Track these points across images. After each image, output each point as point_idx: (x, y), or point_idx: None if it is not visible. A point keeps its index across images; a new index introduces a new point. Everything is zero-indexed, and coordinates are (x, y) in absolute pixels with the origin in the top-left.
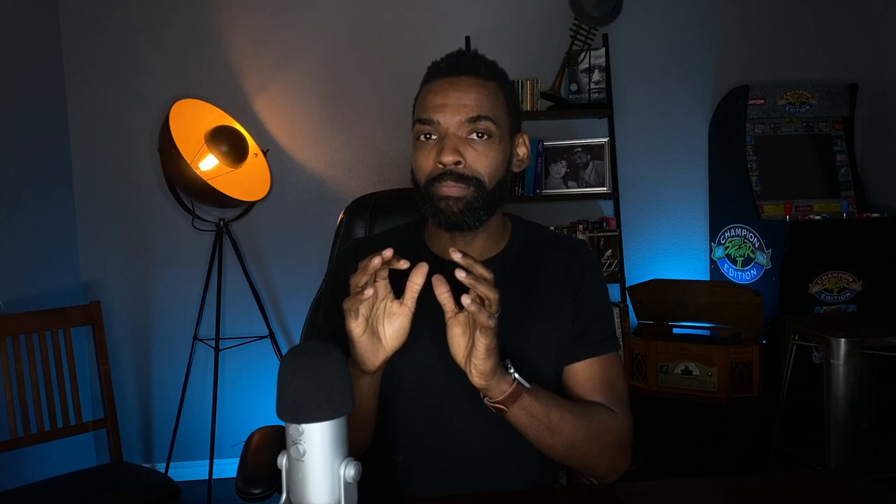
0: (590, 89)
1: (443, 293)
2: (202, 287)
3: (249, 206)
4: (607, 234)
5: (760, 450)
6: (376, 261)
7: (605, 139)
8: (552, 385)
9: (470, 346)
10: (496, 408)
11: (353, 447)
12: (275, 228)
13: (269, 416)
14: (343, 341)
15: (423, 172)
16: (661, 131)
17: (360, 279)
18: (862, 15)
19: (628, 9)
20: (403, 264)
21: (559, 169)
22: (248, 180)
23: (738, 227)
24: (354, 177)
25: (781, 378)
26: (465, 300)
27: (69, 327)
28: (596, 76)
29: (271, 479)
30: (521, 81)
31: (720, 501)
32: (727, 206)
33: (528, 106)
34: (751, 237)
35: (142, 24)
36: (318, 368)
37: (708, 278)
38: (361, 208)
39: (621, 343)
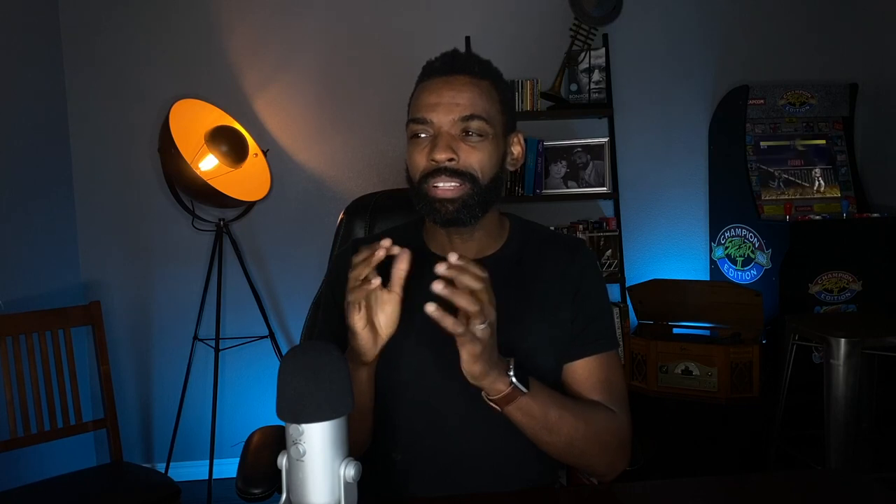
0: (590, 89)
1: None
2: (202, 287)
3: (249, 206)
4: (607, 234)
5: (760, 450)
6: (380, 253)
7: (605, 139)
8: (553, 380)
9: None
10: (491, 406)
11: (353, 447)
12: (275, 228)
13: (269, 416)
14: (342, 340)
15: (416, 170)
16: (661, 131)
17: (360, 272)
18: (862, 15)
19: (628, 9)
20: (385, 243)
21: (559, 169)
22: (248, 180)
23: (738, 227)
24: (354, 177)
25: (781, 378)
26: (429, 307)
27: (69, 327)
28: (596, 76)
29: (271, 479)
30: (521, 81)
31: (720, 501)
32: (727, 206)
33: (528, 106)
34: (751, 237)
35: (142, 23)
36: (318, 368)
37: (708, 278)
38: (361, 208)
39: (621, 343)
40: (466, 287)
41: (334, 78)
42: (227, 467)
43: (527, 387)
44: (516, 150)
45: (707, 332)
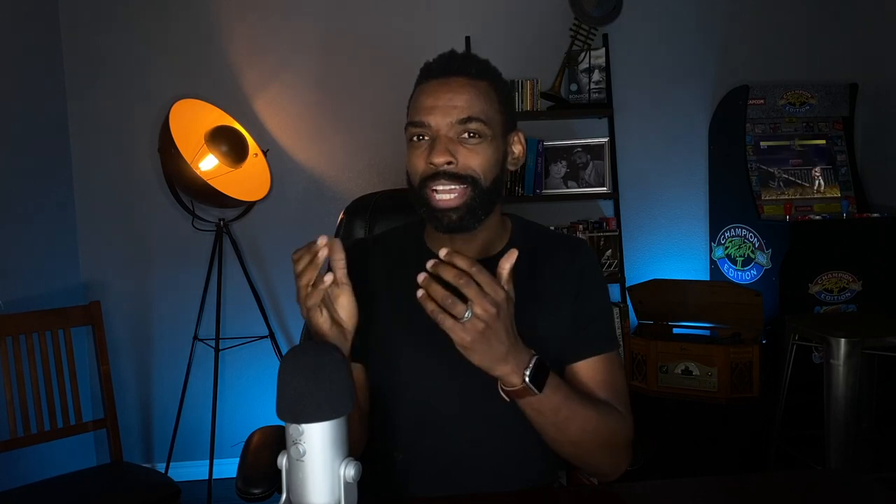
0: (590, 89)
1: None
2: (202, 287)
3: (249, 206)
4: (607, 234)
5: (760, 450)
6: (322, 253)
7: (605, 139)
8: None
9: None
10: (502, 395)
11: (351, 447)
12: (275, 228)
13: (269, 416)
14: None
15: (416, 173)
16: (661, 131)
17: (309, 276)
18: (862, 15)
19: (628, 9)
20: (322, 241)
21: (559, 169)
22: (248, 180)
23: (738, 227)
24: (354, 177)
25: (781, 378)
26: (418, 293)
27: (69, 327)
28: (596, 76)
29: (271, 479)
30: (521, 81)
31: (720, 501)
32: (727, 206)
33: (528, 106)
34: (751, 237)
35: (142, 24)
36: (318, 368)
37: (708, 278)
38: (361, 208)
39: (621, 343)
40: (448, 279)
41: (334, 78)
42: (227, 467)
43: (542, 388)
44: (517, 149)
45: (707, 332)
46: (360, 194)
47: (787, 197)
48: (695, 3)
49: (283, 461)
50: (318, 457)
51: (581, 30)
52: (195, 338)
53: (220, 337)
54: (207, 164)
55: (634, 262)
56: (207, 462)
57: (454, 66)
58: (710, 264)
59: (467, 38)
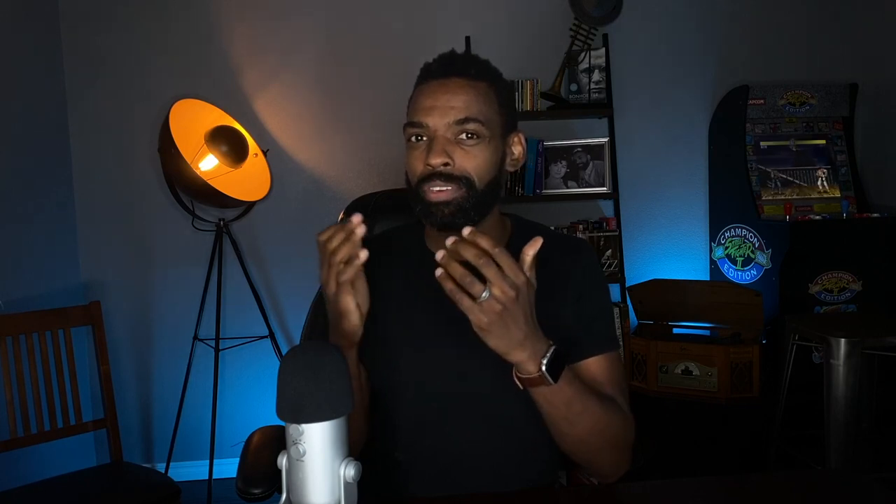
0: (590, 89)
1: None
2: (202, 287)
3: (249, 206)
4: (607, 234)
5: (760, 450)
6: (360, 230)
7: (605, 139)
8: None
9: None
10: (515, 381)
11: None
12: (275, 228)
13: (269, 416)
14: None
15: (413, 174)
16: (661, 131)
17: (344, 252)
18: (862, 15)
19: (628, 9)
20: (357, 219)
21: (559, 169)
22: (248, 180)
23: (738, 227)
24: (354, 177)
25: (781, 378)
26: (437, 271)
27: (69, 327)
28: (596, 76)
29: (271, 479)
30: (521, 81)
31: (720, 501)
32: (727, 206)
33: (528, 106)
34: (751, 237)
35: (142, 23)
36: (318, 368)
37: (708, 278)
38: (361, 208)
39: (621, 343)
40: (468, 258)
41: (334, 78)
42: (227, 467)
43: (557, 378)
44: (517, 150)
45: (707, 332)
46: (360, 194)
47: (787, 197)
48: (695, 3)
49: (283, 461)
50: (318, 457)
51: (581, 30)
52: (195, 338)
53: (220, 337)
54: (207, 164)
55: (634, 262)
56: (207, 462)
57: (454, 67)
58: (710, 264)
59: (467, 38)
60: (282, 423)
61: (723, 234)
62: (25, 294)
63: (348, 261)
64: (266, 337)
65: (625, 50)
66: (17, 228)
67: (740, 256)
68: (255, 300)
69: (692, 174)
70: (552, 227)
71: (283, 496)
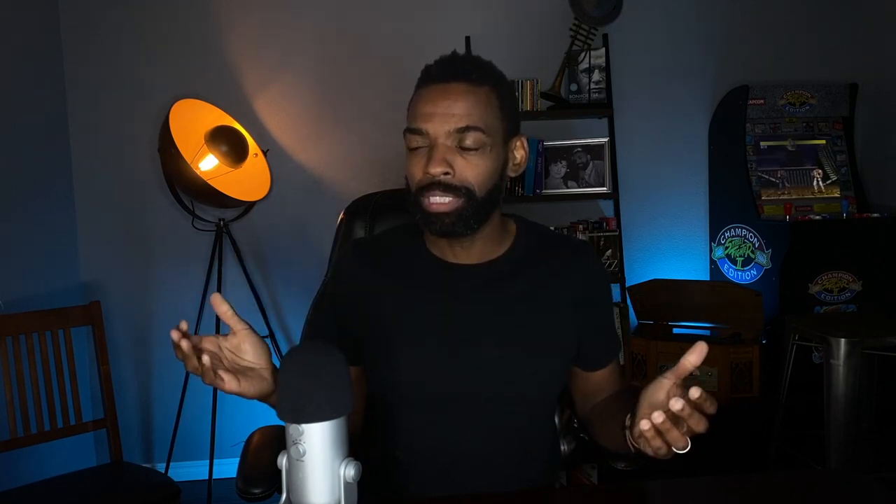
0: (590, 89)
1: None
2: (202, 287)
3: (249, 206)
4: (607, 234)
5: (760, 450)
6: (184, 343)
7: (605, 139)
8: (554, 383)
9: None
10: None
11: None
12: (275, 228)
13: (269, 416)
14: (334, 336)
15: (413, 181)
16: (661, 131)
17: (191, 363)
18: (862, 15)
19: (628, 9)
20: (176, 335)
21: (559, 169)
22: (248, 180)
23: (738, 227)
24: (354, 177)
25: (781, 378)
26: (676, 405)
27: (69, 327)
28: (596, 76)
29: (271, 479)
30: (521, 81)
31: (720, 501)
32: (727, 206)
33: (528, 106)
34: (751, 237)
35: (142, 23)
36: (318, 368)
37: (708, 278)
38: (361, 208)
39: (621, 343)
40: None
41: (334, 78)
42: (227, 467)
43: None
44: (518, 154)
45: (707, 332)
46: (360, 194)
47: (787, 197)
48: (695, 3)
49: (283, 461)
50: (318, 457)
51: (581, 30)
52: None
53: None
54: (207, 164)
55: (634, 262)
56: (207, 462)
57: (455, 71)
58: (710, 264)
59: (467, 38)
60: (282, 423)
61: (723, 234)
62: (25, 294)
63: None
64: (266, 337)
65: (625, 50)
66: (17, 228)
67: (740, 256)
68: (255, 300)
69: (692, 174)
70: (553, 228)
71: (283, 496)
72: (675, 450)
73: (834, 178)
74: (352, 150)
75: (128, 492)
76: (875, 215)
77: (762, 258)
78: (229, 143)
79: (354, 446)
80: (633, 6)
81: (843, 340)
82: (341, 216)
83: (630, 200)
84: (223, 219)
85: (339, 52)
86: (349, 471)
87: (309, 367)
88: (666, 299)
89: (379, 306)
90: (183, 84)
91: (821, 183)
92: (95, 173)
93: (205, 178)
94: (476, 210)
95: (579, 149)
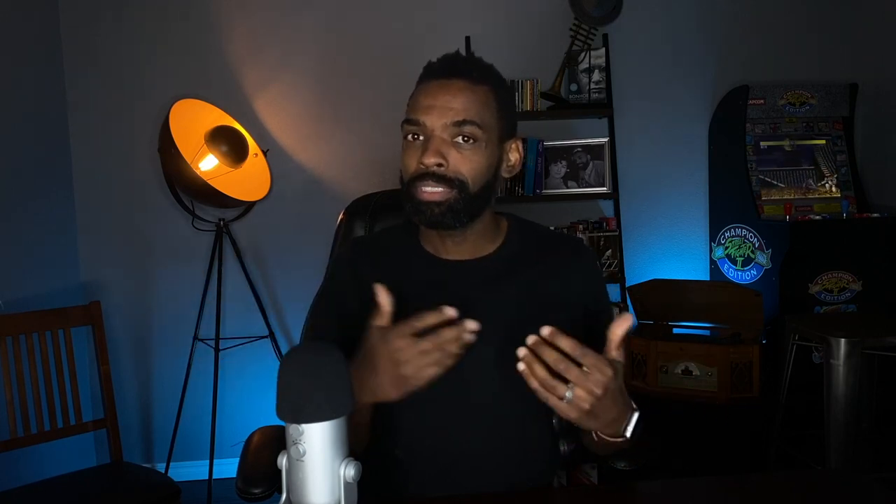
0: (590, 89)
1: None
2: (202, 287)
3: (249, 206)
4: (607, 234)
5: (760, 450)
6: (470, 324)
7: (605, 139)
8: None
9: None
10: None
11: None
12: (275, 228)
13: (269, 416)
14: (334, 336)
15: (407, 171)
16: (661, 131)
17: (454, 338)
18: (862, 15)
19: (628, 9)
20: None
21: (559, 169)
22: (248, 180)
23: (738, 227)
24: (354, 177)
25: (781, 378)
26: (519, 365)
27: (69, 327)
28: (596, 76)
29: (271, 479)
30: (521, 81)
31: (720, 501)
32: (727, 206)
33: (528, 106)
34: (751, 237)
35: (142, 24)
36: (318, 368)
37: (708, 278)
38: (361, 208)
39: None
40: (548, 363)
41: (334, 78)
42: (227, 467)
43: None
44: (513, 156)
45: (707, 332)
46: (360, 194)
47: (787, 197)
48: (695, 3)
49: (283, 461)
50: (318, 457)
51: (581, 30)
52: (195, 338)
53: (220, 337)
54: (207, 164)
55: (634, 262)
56: (207, 462)
57: (456, 69)
58: (710, 264)
59: (467, 38)
60: (282, 423)
61: (723, 234)
62: (25, 294)
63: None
64: (266, 337)
65: (625, 50)
66: (17, 228)
67: (740, 256)
68: (255, 300)
69: (692, 174)
70: (551, 227)
71: (283, 496)
72: (561, 400)
73: (834, 178)
74: (352, 150)
75: (128, 492)
76: (875, 215)
77: (762, 258)
78: (229, 143)
79: (359, 452)
80: (633, 6)
81: (843, 340)
82: (341, 216)
83: (630, 200)
84: (223, 219)
85: (339, 52)
86: (349, 471)
87: (309, 367)
88: (666, 299)
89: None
90: (183, 84)
91: (820, 183)
92: (95, 173)
93: (205, 178)
94: (467, 203)
95: (579, 149)
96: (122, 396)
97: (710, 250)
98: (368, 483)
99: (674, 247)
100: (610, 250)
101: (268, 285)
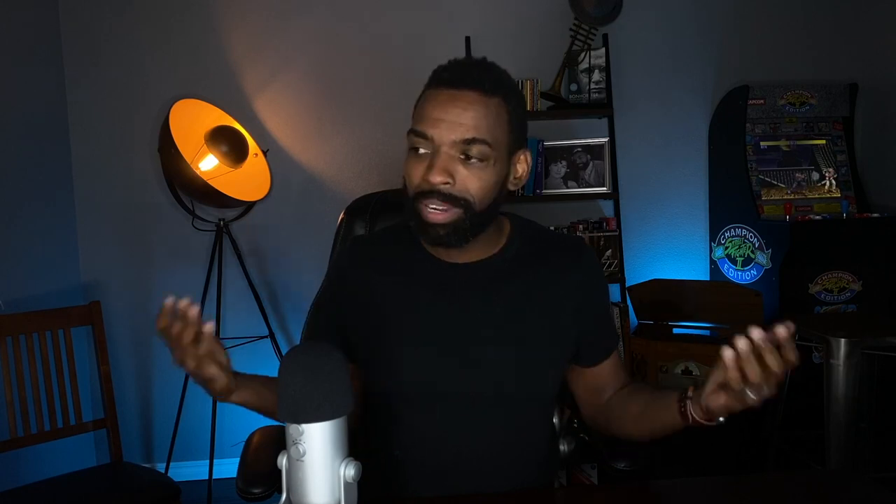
0: (590, 89)
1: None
2: (202, 287)
3: (249, 206)
4: (607, 234)
5: (760, 450)
6: (192, 311)
7: (605, 139)
8: (552, 381)
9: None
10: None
11: None
12: (275, 228)
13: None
14: (334, 336)
15: (411, 184)
16: (661, 131)
17: (190, 332)
18: (862, 15)
19: (628, 9)
20: (184, 303)
21: (559, 169)
22: (248, 180)
23: (738, 227)
24: (354, 177)
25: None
26: (736, 348)
27: (69, 327)
28: (596, 76)
29: (271, 479)
30: (521, 81)
31: (720, 501)
32: (727, 206)
33: (528, 106)
34: (751, 237)
35: (142, 23)
36: (318, 368)
37: (708, 278)
38: (361, 208)
39: (621, 343)
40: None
41: (334, 78)
42: (227, 467)
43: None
44: (521, 168)
45: (707, 332)
46: (360, 194)
47: (787, 197)
48: (695, 2)
49: (283, 461)
50: (318, 457)
51: (581, 30)
52: None
53: (220, 337)
54: (207, 164)
55: (634, 262)
56: (207, 462)
57: (468, 78)
58: (710, 264)
59: (467, 38)
60: (282, 423)
61: (723, 234)
62: (25, 294)
63: (196, 337)
64: (266, 337)
65: (625, 50)
66: (17, 228)
67: (740, 256)
68: (255, 300)
69: (692, 174)
70: (552, 227)
71: (283, 496)
72: (754, 393)
73: (834, 178)
74: (352, 150)
75: (128, 492)
76: (875, 215)
77: (762, 258)
78: (229, 143)
79: (352, 443)
80: (633, 6)
81: (843, 340)
82: (341, 216)
83: (630, 200)
84: (223, 219)
85: (339, 52)
86: (349, 471)
87: (309, 367)
88: (666, 299)
89: (377, 304)
90: (183, 84)
91: (820, 183)
92: (95, 173)
93: (205, 178)
94: (472, 223)
95: (579, 149)
96: (122, 396)
97: (710, 250)
98: (368, 483)
99: (674, 247)
100: (610, 250)
101: (268, 285)
